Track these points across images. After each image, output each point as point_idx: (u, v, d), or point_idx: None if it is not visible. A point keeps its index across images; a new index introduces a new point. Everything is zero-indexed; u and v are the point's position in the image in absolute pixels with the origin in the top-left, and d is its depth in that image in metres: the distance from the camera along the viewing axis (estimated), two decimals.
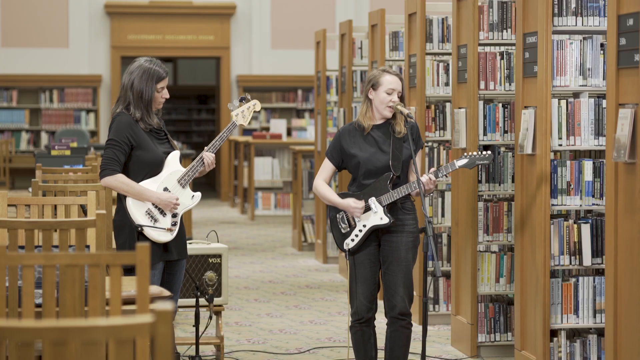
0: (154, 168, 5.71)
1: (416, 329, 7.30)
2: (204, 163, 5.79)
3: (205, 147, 5.85)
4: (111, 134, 5.67)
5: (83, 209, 6.72)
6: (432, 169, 5.80)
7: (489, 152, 5.87)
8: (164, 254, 5.70)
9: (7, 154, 17.11)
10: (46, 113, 18.42)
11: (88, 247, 4.84)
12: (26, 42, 18.31)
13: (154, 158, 5.70)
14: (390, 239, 5.80)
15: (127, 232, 5.68)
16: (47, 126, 18.40)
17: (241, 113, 6.08)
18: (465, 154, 5.93)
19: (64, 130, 16.97)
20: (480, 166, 5.94)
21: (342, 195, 5.86)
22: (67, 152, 9.60)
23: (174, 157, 5.77)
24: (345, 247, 5.82)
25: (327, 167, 5.93)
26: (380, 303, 6.25)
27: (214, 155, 5.82)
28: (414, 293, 8.16)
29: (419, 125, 6.62)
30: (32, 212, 5.82)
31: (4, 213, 5.48)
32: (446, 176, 5.88)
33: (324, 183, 5.91)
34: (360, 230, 5.79)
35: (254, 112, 6.13)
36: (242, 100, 6.11)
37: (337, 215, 5.87)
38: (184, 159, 13.12)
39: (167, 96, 5.77)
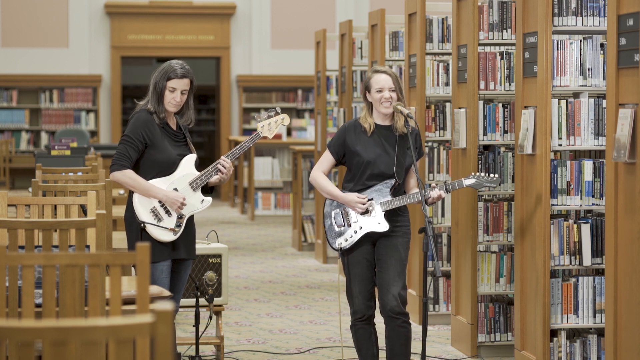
0: (166, 168, 5.74)
1: (416, 329, 7.30)
2: (218, 171, 5.80)
3: (223, 156, 5.85)
4: (127, 130, 5.76)
5: (83, 209, 6.72)
6: (440, 184, 5.82)
7: (497, 175, 5.91)
8: (172, 252, 5.72)
9: (7, 154, 17.11)
10: (46, 113, 18.42)
11: (88, 247, 4.84)
12: (26, 42, 18.31)
13: (166, 159, 5.73)
14: (385, 239, 5.81)
15: (134, 229, 5.73)
16: (47, 126, 18.40)
17: (267, 125, 6.06)
18: (474, 173, 5.96)
19: (64, 130, 16.97)
20: (486, 187, 5.97)
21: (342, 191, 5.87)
22: (67, 152, 9.60)
23: (189, 160, 5.80)
24: (337, 246, 5.82)
25: (327, 159, 5.92)
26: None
27: (230, 162, 5.81)
28: (414, 293, 8.16)
29: (419, 126, 6.63)
30: (32, 212, 5.82)
31: (4, 213, 5.48)
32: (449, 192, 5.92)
33: (323, 175, 5.91)
34: (356, 232, 5.79)
35: (282, 125, 6.12)
36: (271, 114, 6.08)
37: (333, 212, 5.87)
38: None
39: (178, 100, 5.75)
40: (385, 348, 5.93)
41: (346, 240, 5.81)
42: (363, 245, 5.81)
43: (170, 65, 5.77)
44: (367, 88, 5.87)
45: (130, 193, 5.78)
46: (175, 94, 5.74)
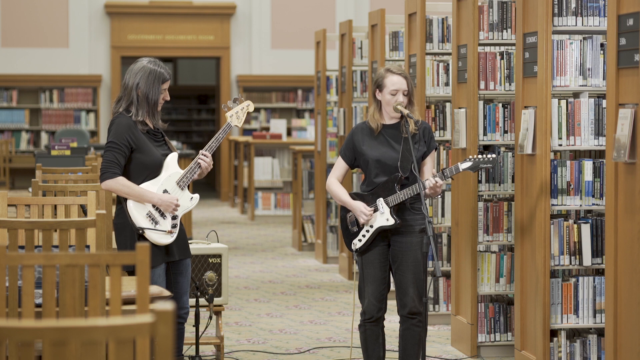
0: (154, 170, 5.70)
1: None
2: (200, 166, 5.78)
3: (201, 150, 5.82)
4: (111, 136, 5.64)
5: (83, 209, 6.72)
6: (437, 173, 5.81)
7: (494, 155, 5.87)
8: (166, 256, 5.69)
9: (7, 154, 17.11)
10: (46, 113, 18.42)
11: (88, 247, 4.84)
12: (26, 42, 18.32)
13: (154, 160, 5.69)
14: (400, 239, 5.81)
15: (127, 235, 5.66)
16: (47, 126, 18.40)
17: (235, 114, 6.07)
18: (470, 156, 5.92)
19: (64, 130, 16.97)
20: (483, 168, 5.94)
21: (353, 196, 5.88)
22: (67, 152, 9.60)
23: (172, 159, 5.76)
24: (352, 247, 5.86)
25: (340, 166, 5.96)
26: (392, 302, 6.27)
27: (210, 156, 5.79)
28: None
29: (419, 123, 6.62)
30: (32, 212, 5.82)
31: (4, 213, 5.48)
32: (451, 178, 5.89)
33: (337, 182, 5.95)
34: (367, 231, 5.82)
35: (248, 112, 6.12)
36: (236, 101, 6.10)
37: (347, 215, 5.90)
38: (184, 159, 13.12)
39: (168, 98, 5.76)
40: (398, 347, 5.96)
41: (360, 240, 5.84)
42: (377, 246, 5.83)
43: (153, 70, 5.67)
44: (379, 87, 5.84)
45: (119, 199, 5.71)
46: (165, 94, 5.75)
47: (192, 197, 5.80)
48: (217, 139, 5.82)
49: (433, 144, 5.90)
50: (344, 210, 5.95)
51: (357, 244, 5.85)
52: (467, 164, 5.85)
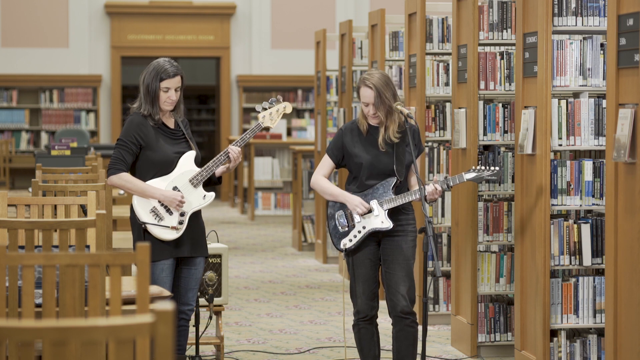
0: (164, 168, 5.74)
1: None
2: (228, 158, 5.79)
3: (231, 144, 5.84)
4: (121, 134, 5.77)
5: (83, 209, 6.72)
6: (439, 179, 5.80)
7: (497, 168, 5.89)
8: (175, 250, 5.71)
9: (7, 154, 17.11)
10: (46, 113, 18.42)
11: (88, 247, 4.84)
12: (26, 42, 18.31)
13: (163, 158, 5.73)
14: (391, 239, 5.80)
15: (136, 230, 5.76)
16: (47, 126, 18.40)
17: (269, 115, 6.03)
18: (474, 167, 5.94)
19: (64, 130, 16.97)
20: (486, 180, 5.95)
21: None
22: (67, 152, 9.60)
23: (188, 157, 5.79)
24: (342, 246, 5.82)
25: (326, 164, 5.93)
26: (383, 303, 6.25)
27: (239, 149, 5.81)
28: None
29: (419, 126, 6.62)
30: (32, 212, 5.82)
31: (4, 213, 5.48)
32: (450, 187, 5.88)
33: (324, 178, 5.91)
34: (360, 232, 5.79)
35: (284, 114, 6.09)
36: (272, 102, 6.06)
37: (337, 213, 5.86)
38: None
39: (174, 98, 5.75)
40: (392, 348, 5.94)
41: (350, 240, 5.80)
42: (368, 245, 5.81)
43: (159, 65, 5.73)
44: (358, 93, 5.86)
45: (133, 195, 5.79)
46: (170, 93, 5.74)
47: (205, 195, 5.80)
48: (242, 139, 5.83)
49: (421, 147, 5.91)
50: (333, 209, 5.90)
51: (347, 243, 5.81)
52: (471, 175, 5.85)
